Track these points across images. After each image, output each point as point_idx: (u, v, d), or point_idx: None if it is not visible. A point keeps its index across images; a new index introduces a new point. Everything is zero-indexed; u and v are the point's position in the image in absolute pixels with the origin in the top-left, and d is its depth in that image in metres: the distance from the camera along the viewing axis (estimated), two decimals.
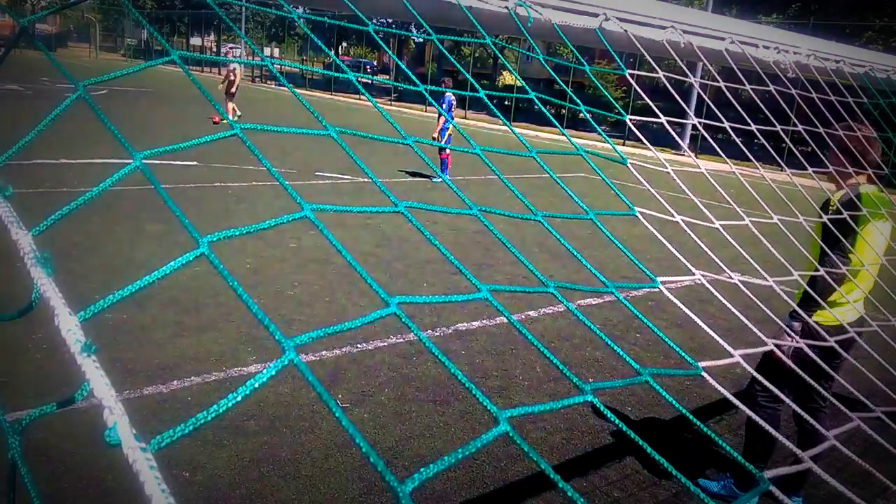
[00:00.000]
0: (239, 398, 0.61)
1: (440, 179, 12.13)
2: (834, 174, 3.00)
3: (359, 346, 4.86)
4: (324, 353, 4.69)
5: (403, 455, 3.59)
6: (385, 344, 4.93)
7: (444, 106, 12.18)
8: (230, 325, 5.00)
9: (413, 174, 12.87)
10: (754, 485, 3.48)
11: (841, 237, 2.71)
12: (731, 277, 1.25)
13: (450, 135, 12.66)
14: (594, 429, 4.02)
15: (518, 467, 3.56)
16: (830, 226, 2.56)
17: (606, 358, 5.07)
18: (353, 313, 5.52)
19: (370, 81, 35.06)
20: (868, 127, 2.92)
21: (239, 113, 17.04)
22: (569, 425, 4.04)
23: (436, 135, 12.33)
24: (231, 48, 53.95)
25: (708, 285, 1.13)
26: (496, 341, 5.22)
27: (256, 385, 0.61)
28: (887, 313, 2.02)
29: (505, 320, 5.67)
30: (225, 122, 18.43)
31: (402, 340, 5.00)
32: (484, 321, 5.56)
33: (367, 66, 49.49)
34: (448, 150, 12.00)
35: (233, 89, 16.87)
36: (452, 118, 12.39)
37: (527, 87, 1.58)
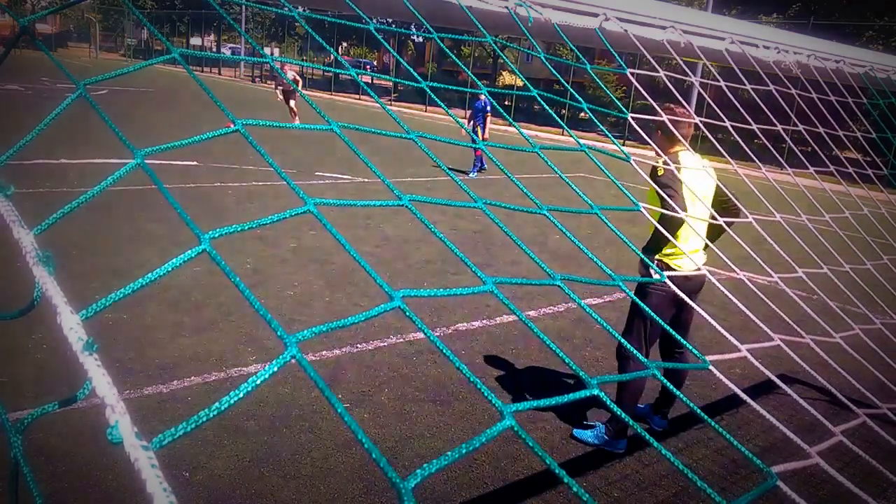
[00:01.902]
0: (241, 396, 0.61)
1: (473, 175, 13.28)
2: (656, 146, 3.60)
3: (359, 346, 4.86)
4: (324, 352, 4.69)
5: (404, 455, 3.59)
6: (385, 344, 4.93)
7: (481, 110, 13.18)
8: (230, 325, 4.99)
9: (455, 170, 13.19)
10: (623, 431, 3.84)
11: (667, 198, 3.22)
12: (736, 273, 1.25)
13: (483, 137, 13.62)
14: None
15: (518, 467, 3.56)
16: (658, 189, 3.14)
17: (607, 358, 5.06)
18: (354, 313, 5.50)
19: (371, 80, 35.05)
20: (682, 108, 3.38)
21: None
22: (568, 425, 4.04)
23: (487, 135, 13.44)
24: (231, 48, 53.91)
25: (714, 280, 1.13)
26: (496, 341, 5.21)
27: (258, 382, 0.61)
28: (891, 312, 2.02)
29: (505, 320, 5.66)
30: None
31: (402, 340, 5.00)
32: (484, 321, 5.56)
33: (367, 66, 49.51)
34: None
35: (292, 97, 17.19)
36: (486, 119, 13.25)
37: (529, 86, 1.57)
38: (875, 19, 22.46)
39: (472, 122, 13.62)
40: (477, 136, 13.23)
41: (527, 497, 3.34)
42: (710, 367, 0.91)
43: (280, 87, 17.60)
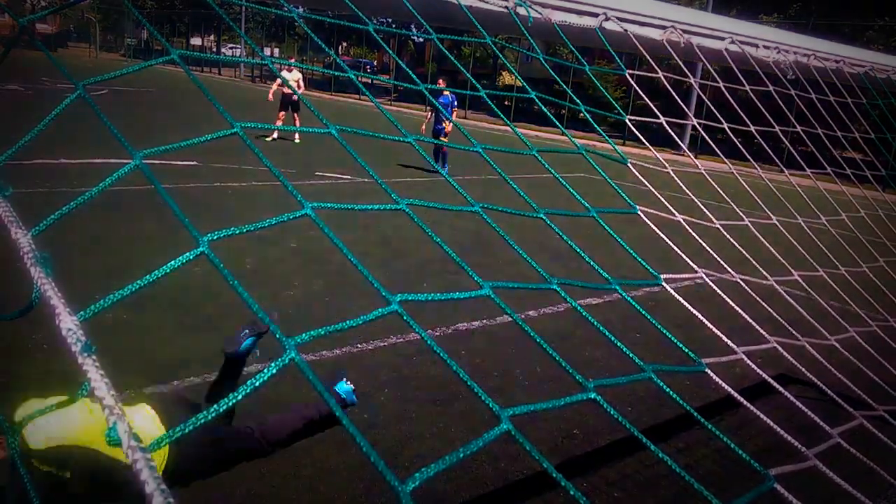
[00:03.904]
0: (239, 397, 0.61)
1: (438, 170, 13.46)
2: None
3: (359, 346, 4.86)
4: (324, 352, 4.69)
5: (404, 455, 3.59)
6: (385, 344, 4.93)
7: (447, 106, 13.04)
8: (230, 325, 4.98)
9: (411, 167, 13.05)
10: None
11: None
12: (732, 276, 1.25)
13: (448, 132, 13.24)
14: (594, 429, 4.02)
15: (518, 467, 3.56)
16: None
17: (606, 358, 5.07)
18: (353, 313, 5.50)
19: (370, 81, 35.02)
20: None
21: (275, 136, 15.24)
22: (569, 425, 4.04)
23: (450, 129, 13.17)
24: (231, 48, 53.88)
25: (710, 283, 1.13)
26: (496, 341, 5.21)
27: (257, 384, 0.61)
28: (885, 314, 2.02)
29: (505, 320, 5.66)
30: (272, 138, 16.69)
31: (402, 340, 5.00)
32: (484, 321, 5.56)
33: (367, 66, 49.40)
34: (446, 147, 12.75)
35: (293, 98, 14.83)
36: (453, 115, 13.14)
37: (527, 87, 1.58)
38: (875, 19, 22.46)
39: (433, 118, 13.26)
40: (444, 132, 13.07)
41: (527, 497, 3.34)
42: (706, 370, 0.92)
43: (280, 89, 15.26)
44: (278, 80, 15.58)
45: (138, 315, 4.98)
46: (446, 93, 13.01)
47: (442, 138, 13.10)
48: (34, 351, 4.28)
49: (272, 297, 5.68)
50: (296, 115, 15.28)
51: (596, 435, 3.96)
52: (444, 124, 13.18)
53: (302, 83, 15.41)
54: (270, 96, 15.90)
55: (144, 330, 4.79)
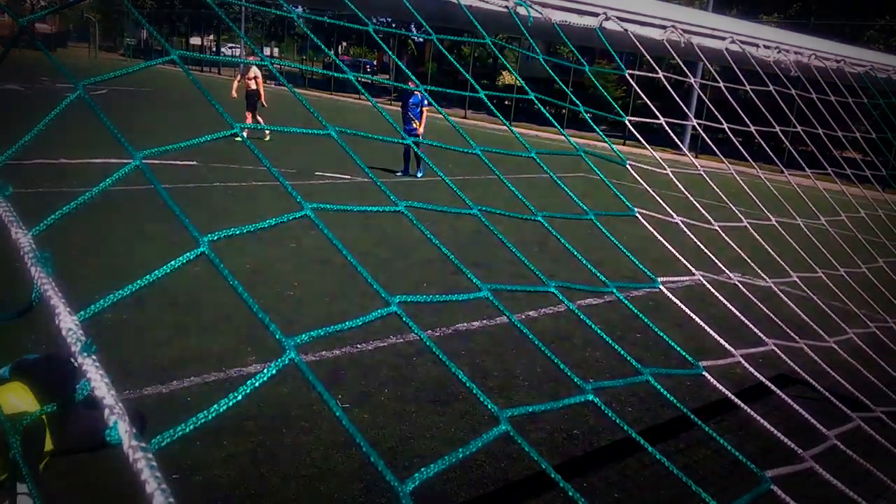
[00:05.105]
0: (239, 398, 0.61)
1: (403, 175, 12.88)
2: None
3: (359, 346, 4.86)
4: (324, 353, 4.69)
5: (404, 455, 3.59)
6: (385, 344, 4.93)
7: (417, 105, 12.76)
8: (230, 325, 4.99)
9: (384, 169, 13.13)
10: None
11: None
12: (730, 278, 1.25)
13: (419, 133, 13.06)
14: (594, 429, 4.02)
15: (518, 467, 3.56)
16: None
17: (606, 358, 5.07)
18: (353, 313, 5.52)
19: (369, 81, 35.00)
20: None
21: (268, 136, 15.23)
22: (569, 425, 4.04)
23: (422, 130, 12.86)
24: (231, 48, 53.84)
25: (708, 285, 1.14)
26: (496, 341, 5.21)
27: (257, 384, 0.61)
28: (885, 315, 2.02)
29: (505, 320, 5.66)
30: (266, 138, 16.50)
31: (401, 340, 5.00)
32: (484, 321, 5.56)
33: (367, 66, 49.35)
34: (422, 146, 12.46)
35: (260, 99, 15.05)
36: (421, 114, 12.84)
37: (526, 87, 1.58)
38: (876, 19, 22.47)
39: (405, 117, 12.85)
40: (416, 132, 12.74)
41: (527, 497, 3.35)
42: (704, 373, 0.92)
43: (245, 82, 15.21)
44: (238, 77, 15.72)
45: (138, 315, 4.98)
46: (417, 92, 12.70)
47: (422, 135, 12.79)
48: (34, 351, 4.28)
49: (272, 298, 5.68)
50: (252, 113, 15.25)
51: (596, 435, 3.97)
52: (413, 124, 12.82)
53: (260, 80, 15.59)
54: (234, 93, 15.63)
55: (144, 330, 4.79)
